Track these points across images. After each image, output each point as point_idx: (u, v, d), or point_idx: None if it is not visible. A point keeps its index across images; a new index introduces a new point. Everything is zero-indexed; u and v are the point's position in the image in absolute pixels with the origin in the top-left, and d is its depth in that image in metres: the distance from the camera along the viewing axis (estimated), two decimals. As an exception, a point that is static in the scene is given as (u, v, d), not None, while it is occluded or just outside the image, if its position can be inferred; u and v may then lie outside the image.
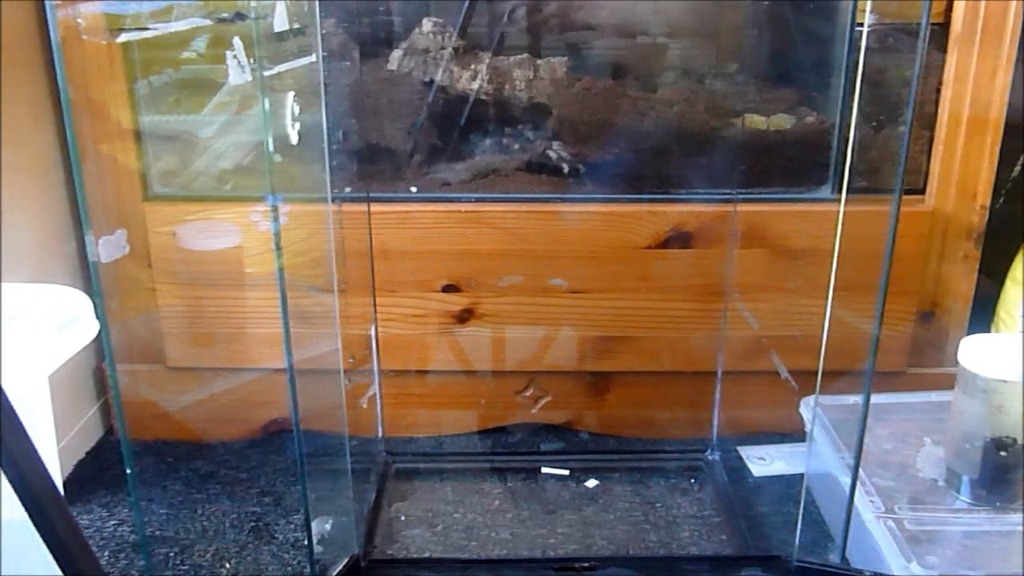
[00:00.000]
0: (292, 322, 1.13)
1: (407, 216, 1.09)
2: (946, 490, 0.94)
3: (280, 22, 0.86)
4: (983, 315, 1.17)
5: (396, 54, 1.09)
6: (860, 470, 0.96)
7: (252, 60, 0.90)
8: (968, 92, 1.06)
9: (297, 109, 0.78)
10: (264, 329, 1.14)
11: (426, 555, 0.92)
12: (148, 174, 1.11)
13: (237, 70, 0.90)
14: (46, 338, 0.73)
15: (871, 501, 0.92)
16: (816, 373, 0.94)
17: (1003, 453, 0.91)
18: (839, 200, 1.07)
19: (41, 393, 0.76)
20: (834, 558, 0.72)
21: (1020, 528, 0.89)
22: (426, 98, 1.09)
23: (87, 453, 1.17)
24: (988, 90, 1.06)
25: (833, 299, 0.89)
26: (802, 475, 1.08)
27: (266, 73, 0.77)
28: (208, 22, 0.98)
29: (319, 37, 0.84)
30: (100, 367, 1.20)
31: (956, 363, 0.92)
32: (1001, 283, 1.14)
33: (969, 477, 0.92)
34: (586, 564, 0.72)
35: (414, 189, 1.11)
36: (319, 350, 1.14)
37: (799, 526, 0.71)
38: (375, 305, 1.11)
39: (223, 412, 1.19)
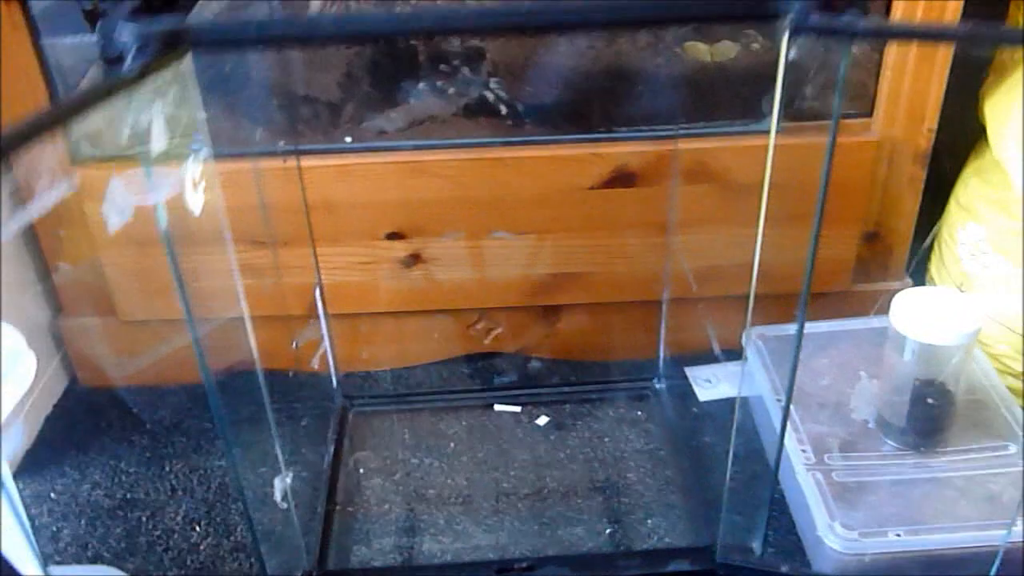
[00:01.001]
0: (240, 275, 1.13)
1: (344, 169, 1.07)
2: (876, 434, 0.98)
3: None
4: (927, 231, 1.18)
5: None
6: (795, 415, 1.01)
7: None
8: (919, 13, 1.02)
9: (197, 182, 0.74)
10: (210, 282, 1.14)
11: (373, 564, 0.96)
12: (72, 136, 1.07)
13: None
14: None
15: (803, 451, 0.96)
16: (760, 299, 0.96)
17: (930, 401, 0.94)
18: (778, 130, 1.06)
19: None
20: (757, 547, 0.77)
21: (944, 475, 0.94)
22: (352, 45, 1.04)
23: (54, 407, 1.20)
24: (940, 11, 1.01)
25: (776, 229, 0.89)
26: (745, 398, 1.13)
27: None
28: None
29: None
30: (56, 321, 1.21)
31: (892, 302, 0.93)
32: (944, 203, 1.14)
33: (897, 424, 0.96)
34: (524, 565, 0.76)
35: (348, 140, 1.08)
36: (267, 302, 1.15)
37: (721, 523, 0.75)
38: (315, 254, 1.11)
39: (183, 358, 1.21)
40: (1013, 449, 0.95)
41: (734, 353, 1.19)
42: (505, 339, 1.21)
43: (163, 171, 0.61)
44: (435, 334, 1.20)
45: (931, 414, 0.95)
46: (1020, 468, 0.93)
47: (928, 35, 0.74)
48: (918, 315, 0.91)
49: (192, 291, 1.17)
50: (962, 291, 1.08)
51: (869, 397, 1.01)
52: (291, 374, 1.19)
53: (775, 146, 0.97)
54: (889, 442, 0.97)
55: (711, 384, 1.18)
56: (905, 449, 0.96)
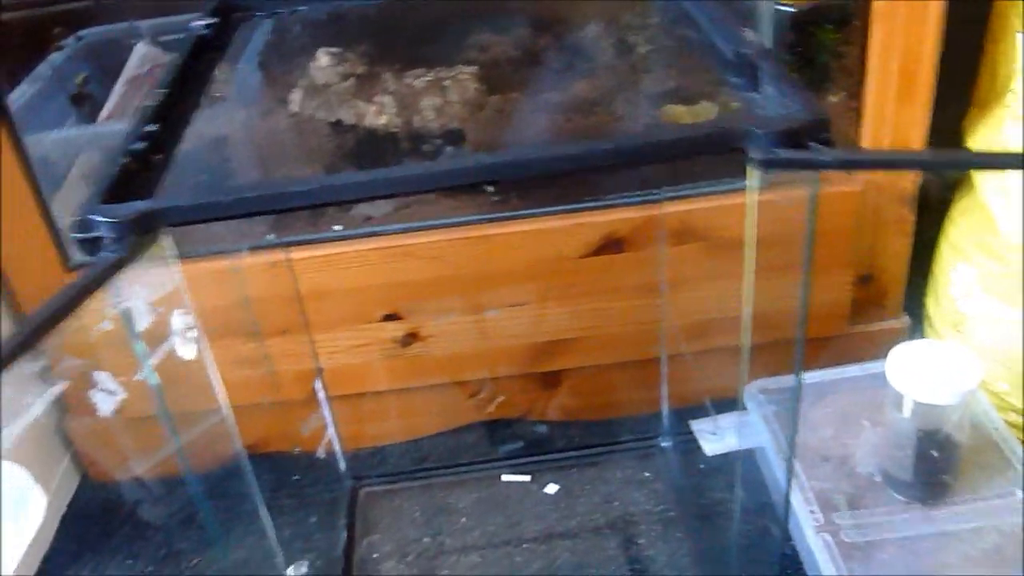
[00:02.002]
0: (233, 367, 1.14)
1: (333, 257, 1.08)
2: (883, 487, 0.98)
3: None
4: (923, 267, 1.18)
5: (296, 94, 1.03)
6: (801, 473, 1.01)
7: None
8: (896, 63, 1.02)
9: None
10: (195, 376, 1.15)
11: None
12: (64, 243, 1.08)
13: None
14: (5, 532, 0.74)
15: (811, 512, 0.96)
16: (760, 349, 0.96)
17: (934, 454, 0.94)
18: (767, 187, 1.06)
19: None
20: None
21: (953, 527, 0.94)
22: (334, 136, 1.05)
23: (68, 505, 1.21)
24: (916, 59, 1.02)
25: (766, 280, 0.89)
26: (751, 450, 1.13)
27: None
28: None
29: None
30: (64, 420, 1.22)
31: (888, 356, 0.93)
32: (935, 244, 1.14)
33: (903, 478, 0.96)
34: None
35: (337, 228, 1.08)
36: (267, 391, 1.16)
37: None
38: (312, 341, 1.12)
39: (196, 448, 1.22)
40: (1020, 495, 0.95)
41: (736, 402, 1.19)
42: (508, 406, 1.22)
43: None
44: (438, 406, 1.21)
45: (936, 467, 0.95)
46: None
47: (898, 164, 0.74)
48: (915, 372, 0.91)
49: (184, 389, 1.18)
50: (958, 332, 1.09)
51: (873, 448, 1.02)
52: (297, 459, 1.19)
53: (758, 202, 0.97)
54: (896, 496, 0.97)
55: (716, 437, 1.18)
56: (912, 503, 0.96)
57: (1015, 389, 1.04)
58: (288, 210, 0.53)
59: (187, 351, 0.70)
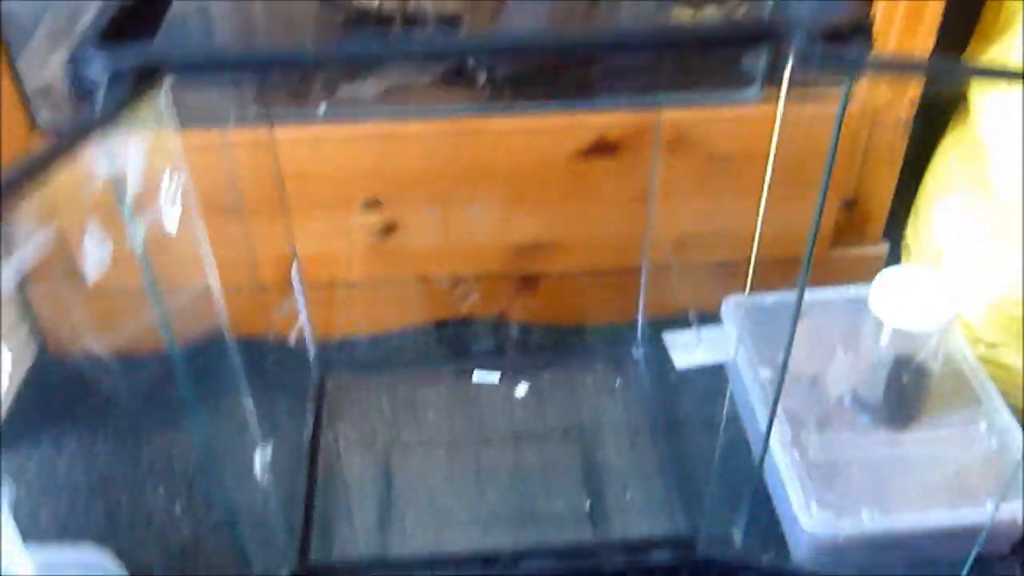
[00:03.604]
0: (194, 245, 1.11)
1: (318, 138, 1.04)
2: (852, 410, 1.00)
3: None
4: (906, 198, 1.17)
5: (287, -37, 0.98)
6: (770, 389, 1.02)
7: None
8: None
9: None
10: (172, 250, 1.12)
11: (356, 558, 0.97)
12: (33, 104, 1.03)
13: None
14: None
15: (779, 430, 0.98)
16: (738, 267, 0.96)
17: (905, 380, 0.96)
18: (767, 99, 1.04)
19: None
20: (738, 536, 0.78)
21: (918, 452, 0.96)
22: (327, 11, 1.00)
23: (25, 378, 1.18)
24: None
25: (757, 198, 0.88)
26: (721, 365, 1.14)
27: None
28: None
29: None
30: (26, 287, 1.18)
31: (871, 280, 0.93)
32: (921, 176, 1.14)
33: (872, 401, 0.97)
34: (509, 557, 0.78)
35: (322, 109, 1.04)
36: (240, 273, 1.13)
37: (704, 517, 0.77)
38: (290, 223, 1.09)
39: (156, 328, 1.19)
40: (983, 427, 0.97)
41: (713, 316, 1.19)
42: (483, 305, 1.20)
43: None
44: (412, 301, 1.19)
45: (906, 393, 0.96)
46: (992, 445, 0.95)
47: (940, 71, 0.72)
48: (897, 299, 0.91)
49: (163, 262, 1.15)
50: (938, 263, 1.09)
51: (845, 372, 1.03)
52: (266, 346, 1.17)
53: (758, 114, 0.95)
54: (863, 419, 0.99)
55: (688, 350, 1.18)
56: (879, 425, 0.98)
57: (987, 323, 1.05)
58: (299, 64, 0.50)
59: (171, 220, 0.67)
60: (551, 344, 1.20)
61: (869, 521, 0.89)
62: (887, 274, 0.94)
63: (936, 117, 1.14)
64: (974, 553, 0.75)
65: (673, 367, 1.16)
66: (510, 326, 1.22)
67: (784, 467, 0.94)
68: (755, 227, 0.87)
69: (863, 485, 0.93)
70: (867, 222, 1.17)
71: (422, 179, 1.07)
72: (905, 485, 0.93)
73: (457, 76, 1.04)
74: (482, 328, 1.22)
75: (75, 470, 1.07)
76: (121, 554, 0.97)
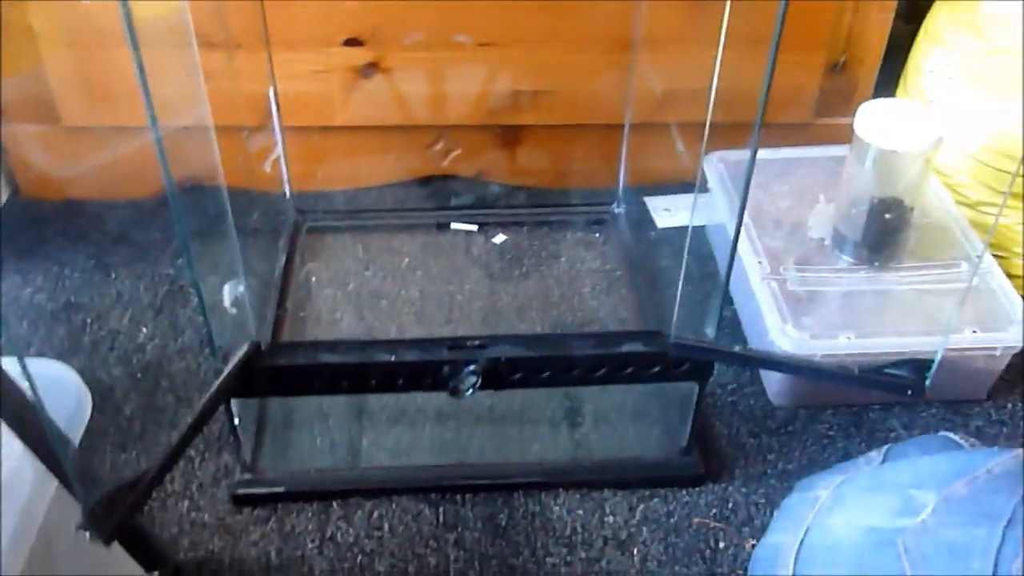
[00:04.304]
0: (186, 79, 1.09)
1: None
2: (832, 250, 0.98)
3: None
4: (895, 65, 1.16)
5: None
6: (753, 231, 1.00)
7: None
8: None
9: None
10: (167, 87, 1.10)
11: (324, 337, 0.96)
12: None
13: None
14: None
15: (759, 263, 0.96)
16: (722, 127, 0.94)
17: (887, 215, 0.94)
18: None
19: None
20: (710, 332, 0.77)
21: (895, 287, 0.94)
22: None
23: (-6, 215, 1.16)
24: None
25: (740, 52, 0.87)
26: (703, 227, 1.12)
27: None
28: None
29: None
30: (-8, 126, 1.16)
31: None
32: (913, 35, 1.13)
33: (853, 238, 0.96)
34: (477, 342, 0.76)
35: (306, -66, 1.03)
36: (195, 108, 1.11)
37: (676, 305, 0.75)
38: (270, 59, 1.06)
39: (128, 171, 1.17)
40: (964, 267, 0.95)
41: (693, 186, 1.18)
42: (463, 161, 1.19)
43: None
44: (391, 153, 1.18)
45: (887, 228, 0.95)
46: (972, 282, 0.94)
47: None
48: (882, 123, 0.90)
49: (137, 93, 1.13)
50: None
51: (827, 218, 1.01)
52: (243, 190, 1.15)
53: None
54: (844, 257, 0.97)
55: (670, 213, 1.17)
56: (859, 263, 0.96)
57: (973, 182, 1.04)
58: None
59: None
60: (532, 202, 1.19)
61: (845, 344, 0.87)
62: (873, 103, 0.92)
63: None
64: (938, 358, 0.73)
65: (654, 226, 1.15)
66: (490, 186, 1.20)
67: (762, 297, 0.92)
68: (736, 84, 0.86)
69: (840, 314, 0.91)
70: (855, 88, 1.16)
71: (407, 14, 1.05)
72: (883, 315, 0.92)
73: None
74: (463, 186, 1.20)
75: (39, 298, 1.05)
76: (83, 372, 0.95)
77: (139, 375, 0.96)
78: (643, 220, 1.15)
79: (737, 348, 0.83)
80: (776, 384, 0.94)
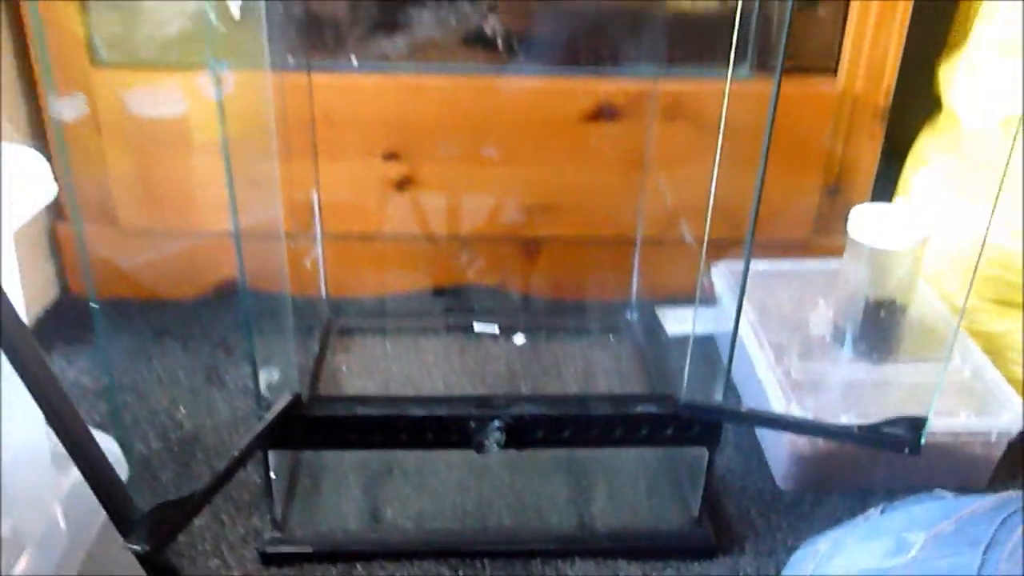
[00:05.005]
0: (236, 187, 1.19)
1: (348, 86, 1.14)
2: (832, 345, 1.05)
3: None
4: (887, 187, 1.26)
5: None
6: (758, 328, 1.07)
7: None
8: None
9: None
10: (213, 193, 1.20)
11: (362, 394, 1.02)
12: (94, 41, 1.14)
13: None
14: (7, 198, 0.78)
15: (764, 355, 1.03)
16: (730, 243, 1.03)
17: (881, 313, 1.02)
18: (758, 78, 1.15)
19: (7, 250, 0.82)
20: (718, 397, 0.82)
21: (892, 378, 1.00)
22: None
23: (45, 311, 1.23)
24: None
25: (740, 171, 0.97)
26: (711, 335, 1.19)
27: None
28: None
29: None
30: (54, 227, 1.25)
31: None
32: (903, 160, 1.24)
33: (851, 333, 1.03)
34: (502, 401, 0.81)
35: (354, 60, 1.16)
36: (264, 214, 1.21)
37: (687, 369, 0.81)
38: (317, 170, 1.17)
39: (176, 272, 1.26)
40: (957, 360, 1.02)
41: (705, 299, 1.26)
42: (486, 272, 1.27)
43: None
44: (419, 261, 1.26)
45: (882, 324, 1.02)
46: (964, 375, 1.00)
47: None
48: (872, 224, 0.98)
49: (200, 199, 1.24)
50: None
51: (827, 319, 1.08)
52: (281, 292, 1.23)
53: (749, 93, 1.05)
54: (844, 351, 1.04)
55: (679, 321, 1.24)
56: (858, 357, 1.03)
57: (962, 288, 1.12)
58: None
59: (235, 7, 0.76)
60: (550, 310, 1.26)
61: (847, 422, 0.92)
62: (864, 206, 1.01)
63: (913, 106, 1.24)
64: (931, 413, 0.79)
65: (666, 332, 1.22)
66: (510, 295, 1.28)
67: (767, 384, 0.98)
68: (741, 202, 0.95)
69: (842, 398, 0.97)
70: (850, 210, 1.25)
71: (440, 130, 1.16)
72: (882, 399, 0.97)
73: (478, 39, 1.15)
74: (485, 295, 1.28)
75: (84, 379, 1.11)
76: (121, 442, 1.00)
77: (175, 448, 1.01)
78: (655, 326, 1.22)
79: (742, 408, 0.88)
80: (783, 468, 0.99)
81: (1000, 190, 0.91)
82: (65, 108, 1.11)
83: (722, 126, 0.93)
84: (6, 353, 0.65)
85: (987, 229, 1.08)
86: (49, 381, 0.65)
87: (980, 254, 0.86)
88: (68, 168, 0.75)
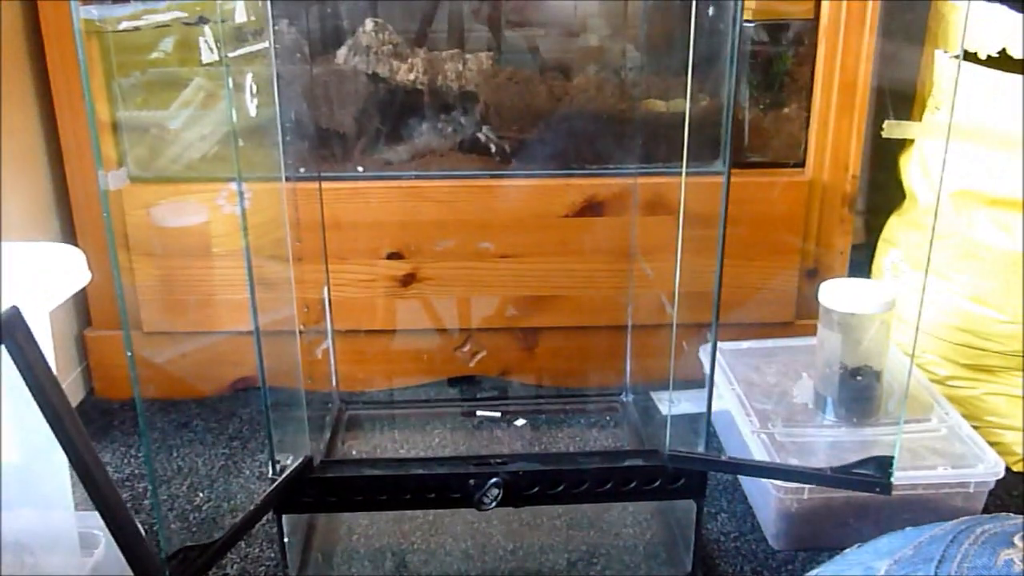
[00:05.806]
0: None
1: (355, 193, 1.25)
2: (814, 411, 1.11)
3: (240, 15, 1.01)
4: (863, 271, 1.35)
5: (342, 51, 1.25)
6: (744, 397, 1.13)
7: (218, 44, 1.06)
8: (836, 78, 1.24)
9: (255, 88, 0.94)
10: (229, 296, 1.29)
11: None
12: (125, 160, 1.26)
13: (207, 51, 1.06)
14: (45, 280, 0.87)
15: (750, 420, 1.08)
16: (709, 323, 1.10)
17: (858, 378, 1.08)
18: (725, 172, 1.25)
19: (43, 328, 0.90)
20: (700, 448, 0.88)
21: (870, 438, 1.05)
22: (369, 88, 1.25)
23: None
24: (853, 74, 1.24)
25: (728, 259, 1.05)
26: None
27: (230, 54, 0.93)
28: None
29: (271, 30, 0.99)
30: (82, 334, 1.34)
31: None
32: (875, 242, 1.32)
33: (831, 398, 1.09)
34: (499, 459, 0.87)
35: (360, 169, 1.26)
36: (279, 313, 1.29)
37: (668, 423, 0.87)
38: (327, 271, 1.26)
39: (194, 371, 1.33)
40: (933, 422, 1.07)
41: (696, 382, 1.32)
42: (488, 362, 1.34)
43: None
44: (424, 355, 1.34)
45: (859, 387, 1.08)
46: (941, 433, 1.05)
47: None
48: (842, 294, 1.06)
49: (216, 302, 1.32)
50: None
51: (808, 389, 1.14)
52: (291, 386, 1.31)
53: (727, 184, 1.15)
54: (826, 416, 1.09)
55: (674, 404, 1.30)
56: (839, 421, 1.08)
57: (940, 359, 1.18)
58: None
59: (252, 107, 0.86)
60: (549, 395, 1.33)
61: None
62: (834, 280, 1.09)
63: (883, 198, 1.34)
64: (896, 452, 0.84)
65: (659, 412, 1.27)
66: (511, 384, 1.35)
67: (753, 446, 1.03)
68: (728, 286, 1.04)
69: (825, 458, 1.02)
70: (827, 291, 1.33)
71: (441, 230, 1.26)
72: (863, 457, 1.02)
73: (473, 147, 1.26)
74: (487, 384, 1.35)
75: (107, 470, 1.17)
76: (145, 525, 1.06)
77: (194, 529, 1.06)
78: (649, 407, 1.28)
79: (724, 457, 0.94)
80: (772, 527, 1.03)
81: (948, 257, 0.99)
82: (112, 180, 1.21)
83: (680, 219, 1.03)
84: (56, 435, 0.72)
85: (926, 291, 1.16)
86: (96, 465, 0.72)
87: (919, 314, 0.92)
88: (114, 252, 0.83)
